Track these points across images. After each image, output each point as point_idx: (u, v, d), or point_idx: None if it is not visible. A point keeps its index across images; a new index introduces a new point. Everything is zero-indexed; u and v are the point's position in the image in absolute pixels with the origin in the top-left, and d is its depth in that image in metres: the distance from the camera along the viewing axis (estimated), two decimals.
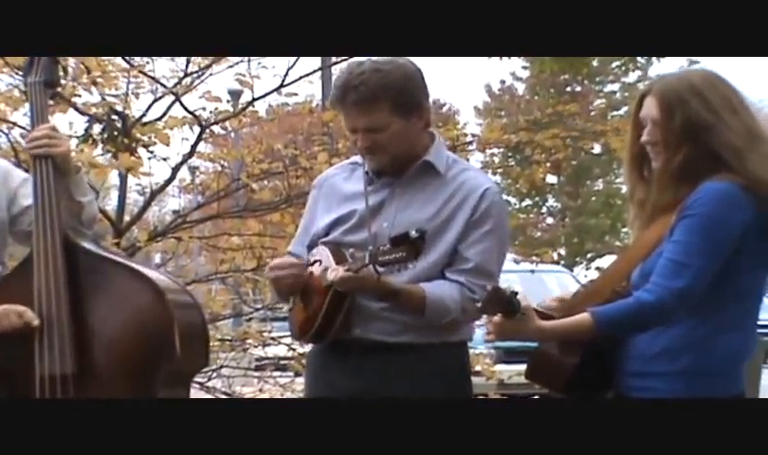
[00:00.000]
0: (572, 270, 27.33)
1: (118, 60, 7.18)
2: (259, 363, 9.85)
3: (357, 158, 4.00)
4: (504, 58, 11.53)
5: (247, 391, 8.89)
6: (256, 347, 8.39)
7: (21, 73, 6.70)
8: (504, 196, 8.78)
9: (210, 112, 7.47)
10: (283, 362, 9.03)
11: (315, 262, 3.89)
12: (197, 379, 6.92)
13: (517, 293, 3.30)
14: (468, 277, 3.81)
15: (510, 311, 3.31)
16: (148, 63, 7.24)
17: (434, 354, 3.83)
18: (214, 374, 8.00)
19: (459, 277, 3.81)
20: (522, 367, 3.63)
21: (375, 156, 3.85)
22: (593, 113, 27.47)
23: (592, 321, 3.34)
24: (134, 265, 3.87)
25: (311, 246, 3.97)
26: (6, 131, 7.24)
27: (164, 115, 7.34)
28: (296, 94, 7.92)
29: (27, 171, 4.05)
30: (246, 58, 7.12)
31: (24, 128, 6.97)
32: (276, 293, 4.14)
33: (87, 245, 3.86)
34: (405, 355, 3.80)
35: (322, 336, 3.85)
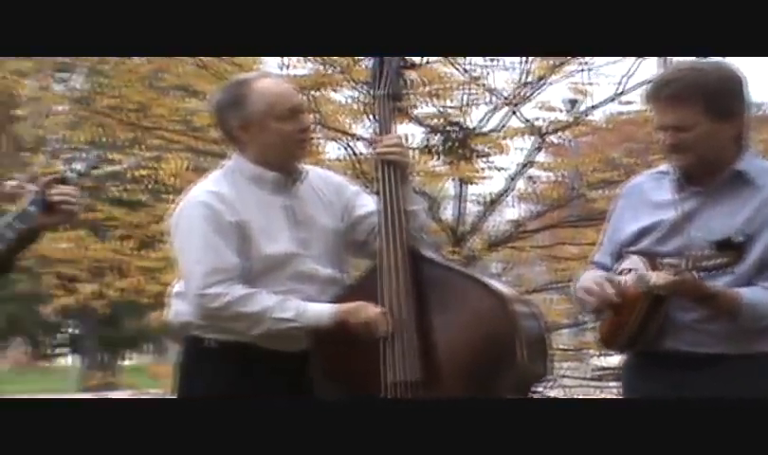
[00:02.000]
0: None
1: (455, 72, 7.27)
2: (599, 372, 9.72)
3: (665, 167, 3.86)
4: None
5: None
6: (596, 357, 8.29)
7: (363, 86, 6.93)
8: None
9: (548, 121, 7.45)
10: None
11: (624, 270, 3.78)
12: (537, 388, 6.88)
13: None
14: None
15: None
16: (485, 74, 7.29)
17: (750, 364, 3.66)
18: (553, 384, 7.95)
19: None
20: None
21: (680, 156, 3.69)
22: None
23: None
24: (475, 275, 3.88)
25: (616, 255, 3.86)
26: (347, 143, 7.44)
27: (501, 125, 7.37)
28: (633, 102, 7.79)
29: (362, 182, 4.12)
30: (584, 66, 7.07)
31: (365, 139, 7.15)
32: (583, 306, 4.04)
33: (429, 253, 3.91)
34: (722, 367, 3.65)
35: (633, 344, 3.72)
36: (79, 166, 3.82)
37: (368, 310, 3.77)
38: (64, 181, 3.66)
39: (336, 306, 3.81)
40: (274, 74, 4.29)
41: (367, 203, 4.05)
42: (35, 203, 3.58)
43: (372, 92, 4.07)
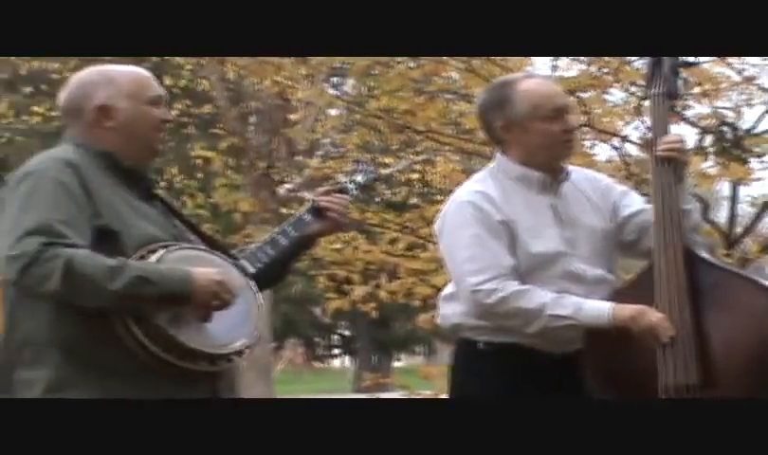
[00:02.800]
0: None
1: (730, 72, 7.11)
2: None
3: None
4: None
5: None
6: None
7: (633, 87, 6.86)
8: None
9: None
10: None
11: None
12: None
13: None
14: None
15: None
16: (760, 74, 7.11)
17: None
18: None
19: None
20: None
21: None
22: None
23: None
24: (751, 275, 3.78)
25: None
26: (618, 145, 7.36)
27: None
28: None
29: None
30: None
31: (634, 142, 7.06)
32: None
33: (704, 254, 3.83)
34: None
35: None
36: (359, 178, 3.93)
37: (650, 315, 3.69)
38: (341, 191, 3.79)
39: (615, 307, 3.74)
40: (540, 74, 4.24)
41: (635, 202, 4.00)
42: (310, 211, 3.72)
43: (647, 92, 4.02)
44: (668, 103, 3.96)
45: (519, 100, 3.86)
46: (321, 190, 3.82)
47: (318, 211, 3.75)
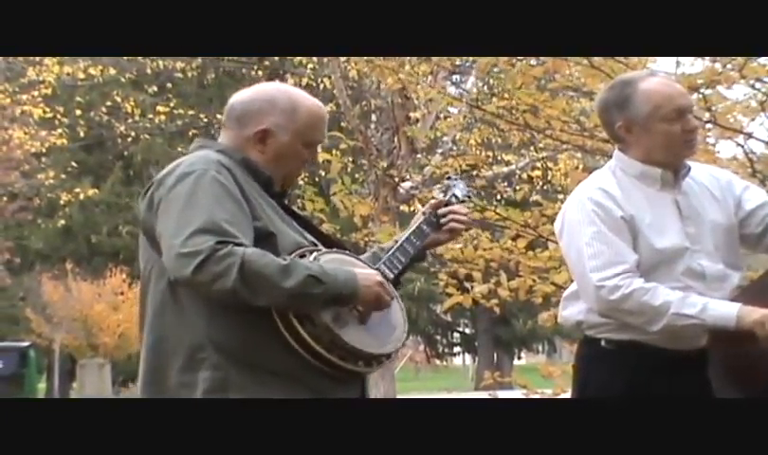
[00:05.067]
0: None
1: None
2: None
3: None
4: None
5: None
6: None
7: (763, 82, 6.75)
8: None
9: None
10: None
11: None
12: None
13: None
14: None
15: None
16: None
17: None
18: None
19: None
20: None
21: None
22: None
23: None
24: None
25: None
26: (742, 142, 7.25)
27: None
28: None
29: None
30: None
31: (757, 139, 6.95)
32: None
33: None
34: None
35: None
36: (458, 191, 3.97)
37: None
38: (447, 205, 3.85)
39: (741, 309, 3.68)
40: (662, 72, 4.19)
41: (758, 195, 3.96)
42: (428, 223, 3.78)
43: None
44: None
45: (640, 100, 3.83)
46: (432, 203, 3.87)
47: (435, 223, 3.82)
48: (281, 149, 3.47)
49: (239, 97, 3.54)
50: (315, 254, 3.32)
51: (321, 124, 3.54)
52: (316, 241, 3.46)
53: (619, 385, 3.81)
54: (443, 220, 3.82)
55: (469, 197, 4.01)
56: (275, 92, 3.53)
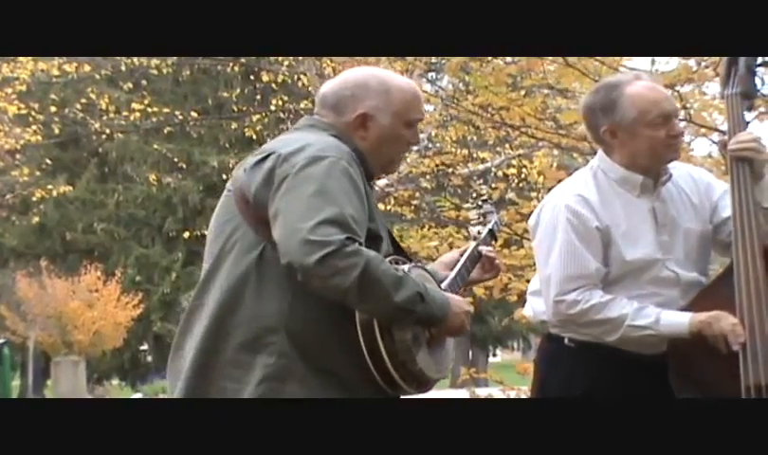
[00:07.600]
0: None
1: None
2: None
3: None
4: None
5: None
6: None
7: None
8: None
9: None
10: None
11: None
12: None
13: None
14: None
15: None
16: None
17: None
18: None
19: None
20: None
21: None
22: None
23: None
24: None
25: None
26: (717, 140, 7.28)
27: None
28: None
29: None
30: None
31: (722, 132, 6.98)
32: None
33: None
34: None
35: None
36: (495, 227, 3.97)
37: (721, 322, 3.68)
38: (486, 241, 3.88)
39: (691, 316, 3.74)
40: (647, 75, 4.16)
41: None
42: (473, 259, 3.78)
43: (722, 91, 3.98)
44: (745, 103, 3.92)
45: (626, 105, 3.82)
46: (473, 247, 3.83)
47: (479, 259, 3.81)
48: (383, 132, 3.36)
49: (328, 86, 3.44)
50: (407, 266, 3.23)
51: (417, 102, 3.44)
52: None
53: (580, 384, 3.83)
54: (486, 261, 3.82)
55: (492, 237, 4.01)
56: (365, 76, 3.42)
